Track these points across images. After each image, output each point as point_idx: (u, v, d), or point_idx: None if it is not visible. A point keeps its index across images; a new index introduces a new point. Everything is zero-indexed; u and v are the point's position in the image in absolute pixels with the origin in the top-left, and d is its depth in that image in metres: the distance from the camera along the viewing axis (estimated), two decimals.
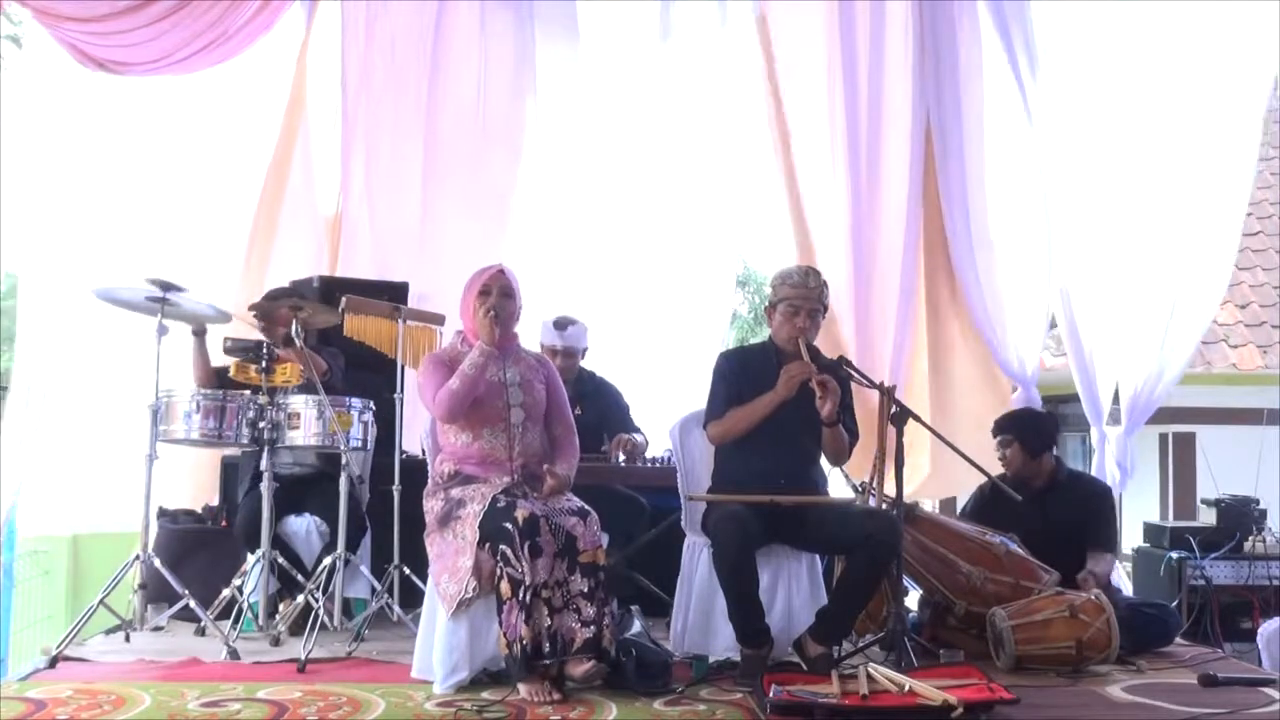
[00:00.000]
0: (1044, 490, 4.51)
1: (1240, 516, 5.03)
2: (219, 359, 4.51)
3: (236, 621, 4.15)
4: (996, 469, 4.50)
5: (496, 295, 3.73)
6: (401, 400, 4.58)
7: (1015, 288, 5.98)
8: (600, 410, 4.93)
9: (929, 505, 6.04)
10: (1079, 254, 5.89)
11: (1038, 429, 4.61)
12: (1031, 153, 5.91)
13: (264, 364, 4.17)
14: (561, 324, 4.91)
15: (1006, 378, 5.98)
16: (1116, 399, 5.90)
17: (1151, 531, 5.34)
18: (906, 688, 3.28)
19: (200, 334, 4.50)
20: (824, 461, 4.07)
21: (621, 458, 4.73)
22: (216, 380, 4.46)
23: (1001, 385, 6.01)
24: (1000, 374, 5.99)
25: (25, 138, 5.32)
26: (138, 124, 5.57)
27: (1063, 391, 6.62)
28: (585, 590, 3.48)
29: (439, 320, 4.77)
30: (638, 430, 4.95)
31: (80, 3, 5.04)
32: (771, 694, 3.24)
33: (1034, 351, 5.97)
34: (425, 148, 5.86)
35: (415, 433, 4.53)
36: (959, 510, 4.77)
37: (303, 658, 3.79)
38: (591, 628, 3.43)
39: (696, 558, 4.00)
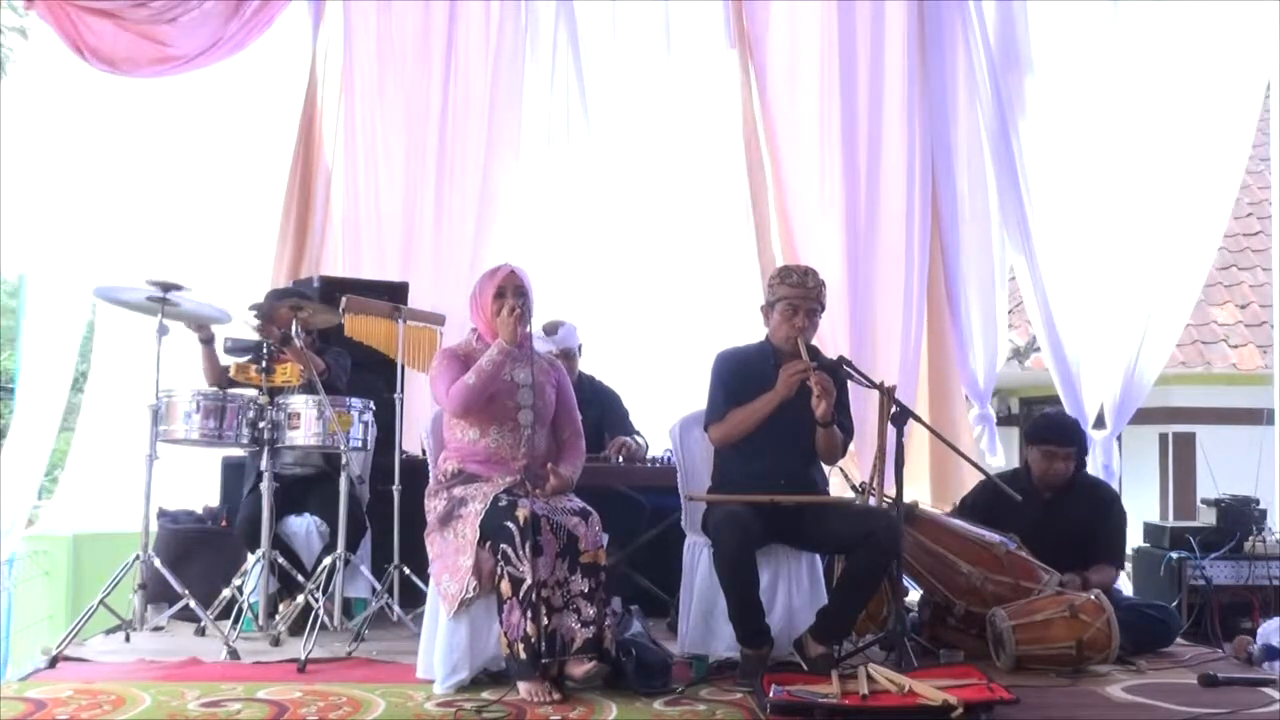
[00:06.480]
0: (1055, 494, 4.50)
1: (1240, 516, 5.02)
2: (220, 359, 4.52)
3: (236, 621, 4.15)
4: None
5: (513, 295, 3.73)
6: (401, 400, 4.59)
7: (988, 297, 6.08)
8: (599, 414, 4.92)
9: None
10: (1060, 258, 5.95)
11: (1086, 440, 4.66)
12: (1009, 156, 5.96)
13: (264, 364, 4.18)
14: (550, 328, 4.88)
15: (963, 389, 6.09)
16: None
17: (1151, 531, 5.34)
18: (906, 688, 3.28)
19: (207, 341, 4.49)
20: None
21: (619, 460, 4.73)
22: (229, 380, 4.45)
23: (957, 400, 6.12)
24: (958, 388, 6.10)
25: (32, 136, 5.34)
26: (147, 122, 5.65)
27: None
28: (586, 590, 3.48)
29: (439, 320, 4.78)
30: (637, 433, 4.95)
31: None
32: (771, 694, 3.24)
33: (991, 365, 6.09)
34: (424, 148, 5.88)
35: (415, 433, 4.53)
36: (959, 503, 4.76)
37: (303, 658, 3.79)
38: (592, 628, 3.43)
39: (697, 558, 4.00)
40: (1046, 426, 4.65)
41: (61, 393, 5.34)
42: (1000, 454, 6.14)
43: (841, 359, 4.04)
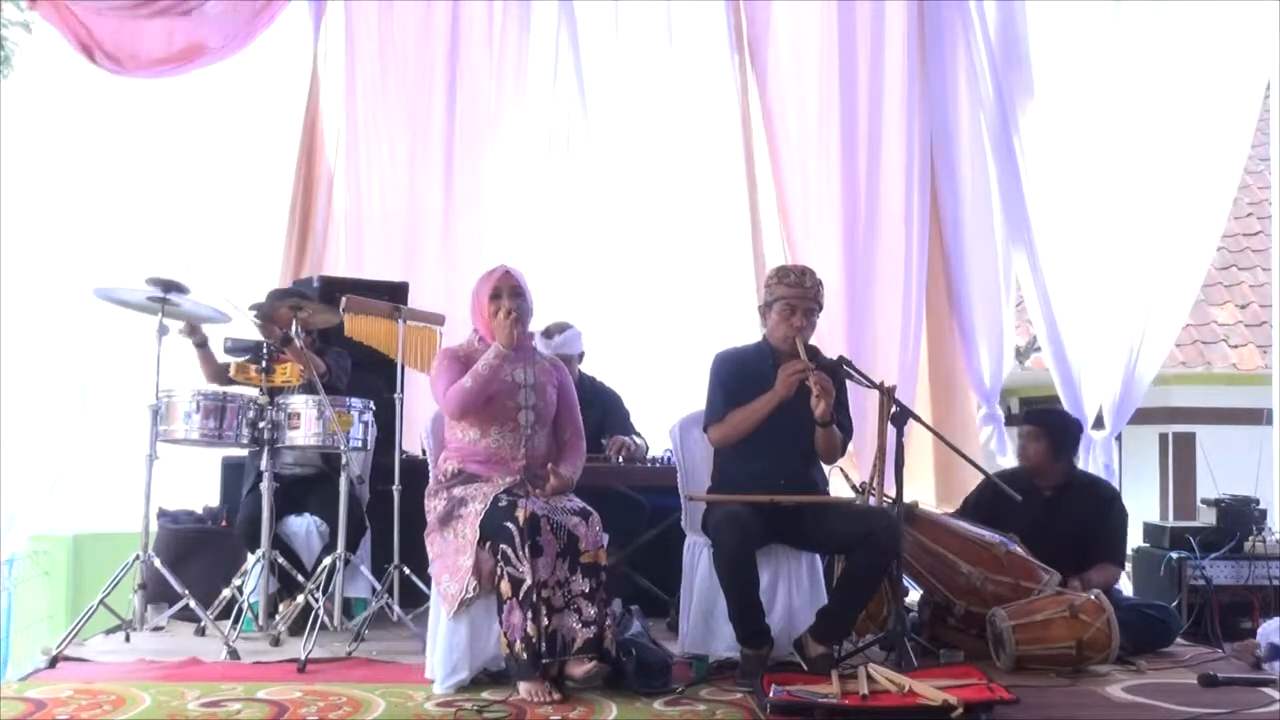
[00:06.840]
0: (1055, 492, 4.52)
1: (1240, 516, 5.02)
2: (220, 359, 4.52)
3: (236, 621, 4.15)
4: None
5: (508, 297, 3.72)
6: (401, 400, 4.58)
7: (993, 297, 6.09)
8: (600, 415, 4.91)
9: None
10: (1061, 258, 5.97)
11: (1068, 431, 4.64)
12: (1010, 156, 5.98)
13: (264, 364, 4.18)
14: (549, 332, 4.85)
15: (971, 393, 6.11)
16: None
17: (1151, 531, 5.34)
18: (906, 688, 3.28)
19: (201, 345, 4.49)
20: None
21: (619, 460, 4.73)
22: (229, 380, 4.44)
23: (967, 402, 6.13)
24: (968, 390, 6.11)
25: (35, 133, 5.36)
26: (150, 122, 5.67)
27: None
28: (586, 590, 3.48)
29: (439, 320, 4.77)
30: (637, 434, 4.95)
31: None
32: (771, 694, 3.24)
33: (998, 365, 6.11)
34: (426, 148, 5.90)
35: (415, 433, 4.53)
36: (962, 503, 4.76)
37: (303, 658, 3.79)
38: (592, 628, 3.43)
39: (696, 558, 4.00)
40: (1027, 411, 4.72)
41: (69, 394, 5.35)
42: (1009, 454, 6.15)
43: (841, 359, 4.03)
